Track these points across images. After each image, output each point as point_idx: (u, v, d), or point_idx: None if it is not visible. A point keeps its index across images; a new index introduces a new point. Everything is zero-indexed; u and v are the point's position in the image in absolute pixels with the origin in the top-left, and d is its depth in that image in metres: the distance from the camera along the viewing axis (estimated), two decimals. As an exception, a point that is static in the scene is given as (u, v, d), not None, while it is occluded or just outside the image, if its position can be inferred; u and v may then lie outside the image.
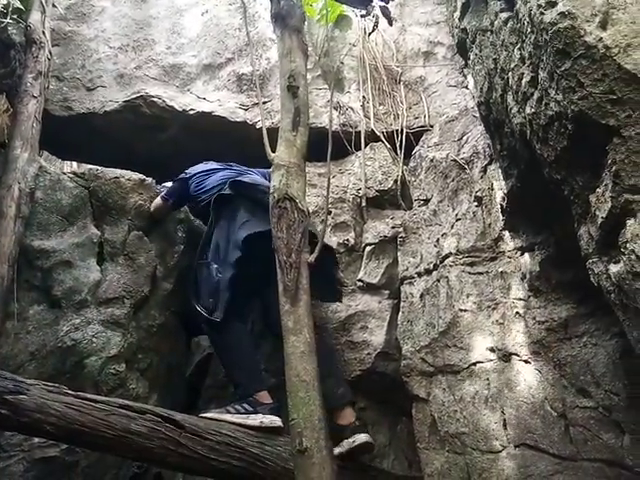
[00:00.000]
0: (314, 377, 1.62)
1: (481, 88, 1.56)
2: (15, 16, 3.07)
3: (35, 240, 2.54)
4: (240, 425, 1.95)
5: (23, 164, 2.70)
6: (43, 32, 3.16)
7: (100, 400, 1.81)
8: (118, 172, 2.80)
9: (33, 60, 3.04)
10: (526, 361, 1.75)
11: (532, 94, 1.23)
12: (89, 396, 1.82)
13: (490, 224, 2.00)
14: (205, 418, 1.95)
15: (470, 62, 1.67)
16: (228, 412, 2.00)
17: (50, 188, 2.69)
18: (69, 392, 1.79)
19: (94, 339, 2.37)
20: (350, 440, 2.00)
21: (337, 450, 1.91)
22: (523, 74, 1.26)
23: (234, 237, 2.22)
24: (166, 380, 2.61)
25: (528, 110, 1.24)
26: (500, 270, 1.92)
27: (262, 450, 1.88)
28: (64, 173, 2.84)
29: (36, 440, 2.23)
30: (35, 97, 2.94)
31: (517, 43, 1.35)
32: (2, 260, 2.41)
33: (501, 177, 1.84)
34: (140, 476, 2.48)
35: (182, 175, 2.76)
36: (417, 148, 2.66)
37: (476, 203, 2.10)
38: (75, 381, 2.27)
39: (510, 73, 1.33)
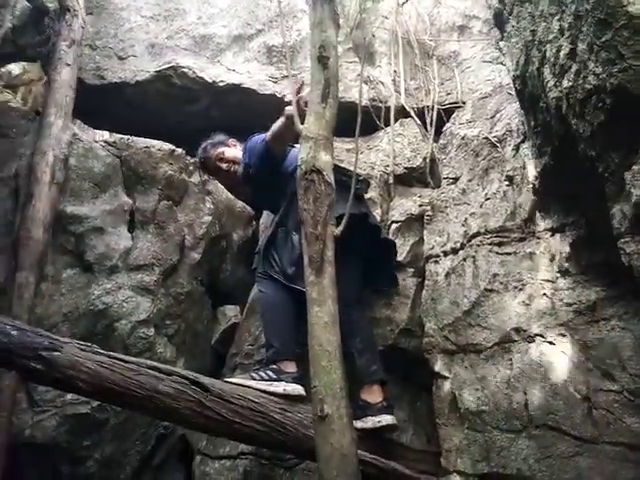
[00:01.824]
0: (336, 347, 1.64)
1: (517, 61, 1.51)
2: (49, -17, 3.11)
3: (69, 206, 2.61)
4: (263, 392, 2.00)
5: (57, 131, 2.75)
6: (77, 0, 3.19)
7: (130, 360, 1.87)
8: (149, 142, 2.85)
9: (67, 28, 3.07)
10: (551, 343, 1.73)
11: (570, 67, 1.19)
12: (120, 356, 1.88)
13: (520, 204, 1.96)
14: (230, 383, 2.00)
15: (506, 34, 1.62)
16: (252, 378, 2.05)
17: (83, 155, 2.74)
18: (101, 351, 1.85)
19: (124, 303, 2.45)
20: (376, 419, 2.03)
21: (360, 424, 1.94)
22: (561, 46, 1.22)
23: None
24: (192, 347, 2.69)
25: (565, 84, 1.20)
26: (529, 251, 1.90)
27: (284, 416, 1.93)
28: (96, 141, 2.89)
29: (68, 397, 2.34)
30: (69, 65, 2.98)
31: (556, 14, 1.30)
32: (37, 224, 2.50)
33: (534, 155, 1.79)
34: (166, 437, 2.58)
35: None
36: (448, 125, 2.61)
37: (507, 182, 2.06)
38: (106, 343, 2.36)
39: (548, 45, 1.28)
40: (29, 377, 1.99)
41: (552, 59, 1.25)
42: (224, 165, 2.66)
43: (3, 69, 3.55)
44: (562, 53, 1.21)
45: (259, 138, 2.42)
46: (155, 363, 1.93)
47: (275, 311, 2.19)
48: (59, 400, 2.34)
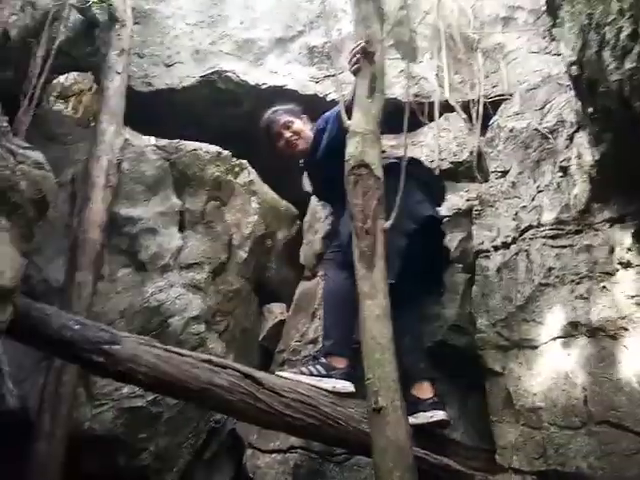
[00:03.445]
0: (389, 340, 1.64)
1: (573, 46, 1.47)
2: (99, -4, 3.24)
3: (123, 208, 2.71)
4: (313, 386, 2.02)
5: (110, 137, 2.87)
6: (125, 11, 3.31)
7: (186, 354, 1.93)
8: (196, 145, 2.93)
9: (116, 38, 3.20)
10: (612, 337, 1.68)
11: (632, 48, 1.16)
12: (176, 349, 1.94)
13: (576, 195, 1.91)
14: (280, 377, 2.03)
15: (560, 20, 1.58)
16: (302, 373, 2.07)
17: (135, 160, 2.85)
18: (158, 345, 1.92)
19: (177, 301, 2.53)
20: (428, 414, 2.02)
21: (412, 420, 1.92)
22: (622, 27, 1.19)
23: (410, 208, 2.15)
24: (241, 343, 2.75)
25: (628, 65, 1.17)
26: (586, 243, 1.84)
27: (334, 410, 1.94)
28: (147, 146, 3.00)
29: (125, 390, 2.43)
30: (119, 73, 3.10)
31: (616, -5, 1.26)
32: (94, 226, 2.61)
33: (590, 145, 1.74)
34: (217, 431, 2.64)
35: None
36: (495, 118, 2.56)
37: (561, 174, 2.00)
38: (160, 339, 2.40)
39: (607, 28, 1.25)
40: (91, 370, 2.07)
41: (612, 41, 1.22)
42: (287, 134, 2.59)
43: (55, 81, 3.73)
44: (623, 35, 1.18)
45: (332, 111, 2.33)
46: (210, 356, 1.99)
47: (340, 301, 2.13)
48: (116, 394, 2.43)
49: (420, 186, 2.29)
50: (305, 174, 2.84)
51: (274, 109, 2.68)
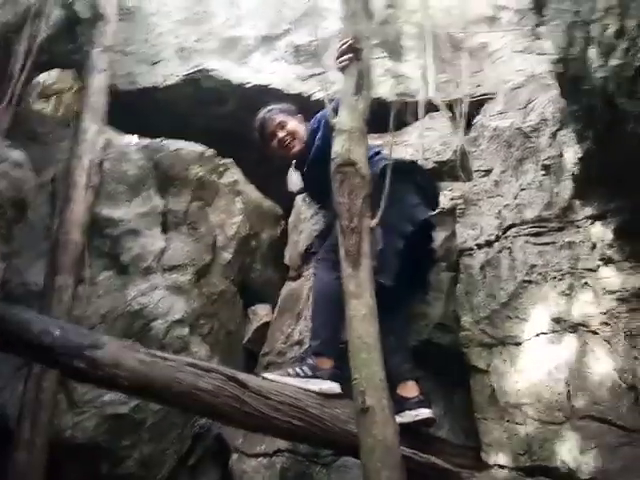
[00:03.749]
0: (376, 339, 1.63)
1: (558, 44, 1.48)
2: (81, -8, 3.19)
3: (104, 209, 2.67)
4: (299, 388, 2.00)
5: (92, 136, 2.82)
6: (108, 7, 3.26)
7: (169, 357, 1.90)
8: (180, 144, 2.90)
9: (100, 35, 3.15)
10: (594, 332, 1.70)
11: (617, 45, 1.17)
12: (160, 353, 1.91)
13: (558, 193, 1.92)
14: (266, 379, 2.01)
15: (547, 18, 1.60)
16: (289, 374, 2.05)
17: (117, 159, 2.81)
18: (141, 349, 1.89)
19: (160, 303, 2.50)
20: (413, 413, 2.01)
21: (398, 419, 1.91)
22: (608, 25, 1.20)
23: (407, 211, 2.19)
24: (225, 346, 2.72)
25: (613, 62, 1.18)
26: (568, 240, 1.86)
27: (321, 411, 1.92)
28: (129, 145, 2.96)
29: (107, 397, 2.38)
30: (102, 71, 3.06)
31: (602, -8, 1.27)
32: (75, 227, 2.56)
33: (573, 142, 1.76)
34: (202, 436, 2.61)
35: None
36: (479, 117, 2.57)
37: (543, 172, 2.02)
38: (143, 343, 2.35)
39: (593, 25, 1.26)
40: (73, 376, 2.02)
41: (598, 39, 1.23)
42: (281, 134, 2.51)
43: (36, 79, 3.66)
44: (609, 32, 1.19)
45: (325, 111, 2.23)
46: (194, 360, 1.96)
47: (329, 301, 2.11)
48: (98, 401, 2.39)
49: (417, 190, 2.30)
50: (297, 174, 2.81)
51: (269, 108, 2.59)
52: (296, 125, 2.53)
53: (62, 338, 1.83)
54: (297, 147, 2.50)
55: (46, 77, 3.81)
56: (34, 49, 2.79)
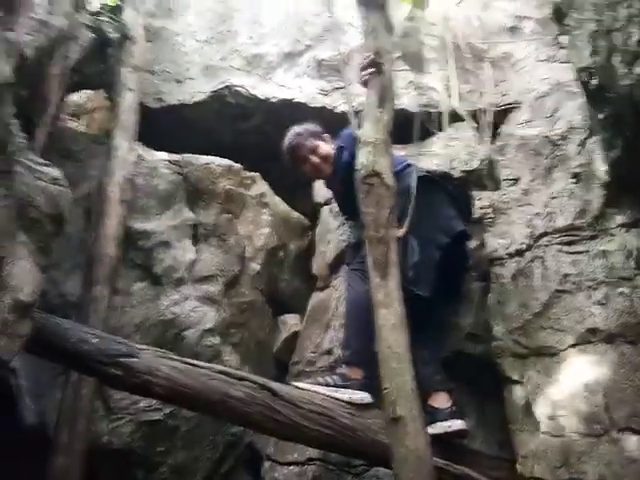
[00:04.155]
0: (406, 349, 1.64)
1: (582, 53, 1.49)
2: (110, 14, 3.31)
3: (137, 222, 2.74)
4: (330, 397, 2.01)
5: (124, 152, 2.91)
6: (136, 28, 3.38)
7: (202, 365, 1.94)
8: (208, 159, 2.97)
9: (128, 55, 3.26)
10: (632, 342, 1.67)
11: (643, 53, 1.17)
12: (193, 361, 1.95)
13: (590, 201, 1.91)
14: (297, 388, 2.03)
15: (569, 28, 1.60)
16: (319, 383, 2.07)
17: (148, 175, 2.89)
18: (175, 357, 1.93)
19: (191, 313, 2.55)
20: (446, 424, 2.00)
21: (430, 431, 1.90)
22: (631, 33, 1.20)
23: (443, 222, 2.22)
24: (255, 355, 2.75)
25: (637, 70, 1.18)
26: (602, 249, 1.84)
27: (352, 420, 1.93)
28: (159, 160, 3.04)
29: (142, 404, 2.43)
30: (131, 90, 3.16)
31: (623, 1, 1.28)
32: (109, 241, 2.64)
33: (603, 149, 1.75)
34: (235, 444, 2.63)
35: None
36: (504, 126, 2.58)
37: (573, 180, 2.01)
38: (175, 351, 2.42)
39: (616, 34, 1.27)
40: (108, 383, 2.08)
41: (621, 47, 1.23)
42: (314, 159, 2.54)
43: (69, 99, 3.80)
44: (632, 40, 1.19)
45: (350, 128, 2.24)
46: (226, 368, 2.00)
47: (362, 311, 2.07)
48: (133, 407, 2.43)
49: (451, 201, 2.32)
50: (327, 190, 2.84)
51: (297, 131, 2.61)
52: (327, 148, 2.56)
53: (99, 346, 1.90)
54: (328, 170, 2.54)
55: (78, 97, 3.95)
56: (66, 71, 2.90)
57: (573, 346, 1.82)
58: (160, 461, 2.44)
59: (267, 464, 2.44)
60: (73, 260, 2.63)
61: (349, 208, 2.60)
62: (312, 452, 2.28)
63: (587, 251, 1.88)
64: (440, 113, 2.89)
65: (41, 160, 2.44)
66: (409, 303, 1.78)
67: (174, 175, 2.90)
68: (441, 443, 1.94)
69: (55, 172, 2.45)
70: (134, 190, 2.80)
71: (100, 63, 3.42)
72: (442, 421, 2.00)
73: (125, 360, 1.89)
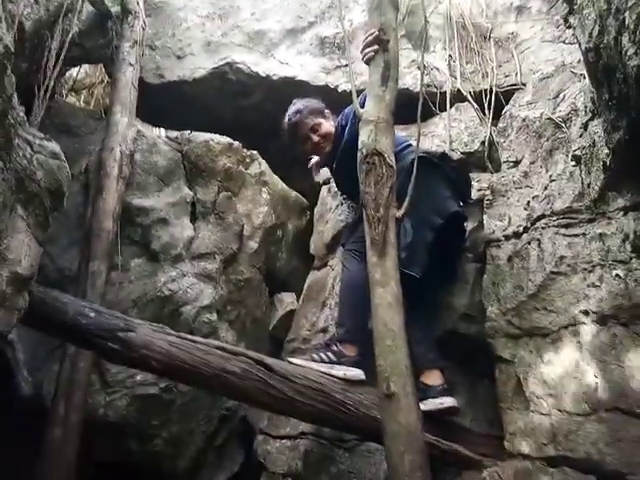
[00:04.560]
0: (401, 327, 1.65)
1: (590, 33, 1.46)
2: (111, -13, 3.25)
3: (135, 199, 2.74)
4: (324, 373, 2.04)
5: (123, 128, 2.89)
6: (137, 2, 3.33)
7: (199, 341, 1.96)
8: (208, 136, 2.95)
9: (129, 30, 3.21)
10: (624, 324, 1.68)
11: (652, 33, 1.15)
12: (189, 336, 1.97)
13: (589, 184, 1.89)
14: (292, 363, 2.06)
15: (577, 7, 1.57)
16: (313, 360, 2.10)
17: (147, 151, 2.88)
18: (172, 332, 1.95)
19: (189, 290, 2.57)
20: (437, 401, 2.03)
21: (421, 407, 1.93)
22: (642, 12, 1.18)
23: (437, 203, 2.21)
24: (251, 332, 2.78)
25: (647, 50, 1.16)
26: (599, 232, 1.83)
27: (345, 396, 1.96)
28: (159, 137, 3.02)
29: (138, 378, 2.47)
30: (132, 65, 3.12)
31: (636, -21, 1.25)
32: (107, 216, 2.64)
33: (605, 132, 1.73)
34: (228, 418, 2.68)
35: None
36: (507, 107, 2.55)
37: (574, 162, 1.99)
38: (172, 327, 2.42)
39: (627, 13, 1.24)
40: (106, 356, 2.11)
41: (632, 26, 1.21)
42: (316, 138, 2.51)
43: (68, 73, 3.76)
44: (642, 19, 1.17)
45: (351, 107, 2.22)
46: (222, 344, 2.02)
47: (357, 290, 2.12)
48: (129, 381, 2.47)
49: (447, 182, 2.31)
50: (327, 169, 2.83)
51: (298, 108, 2.55)
52: (328, 126, 2.52)
53: (97, 320, 1.91)
54: (329, 148, 2.51)
55: (78, 71, 3.91)
56: (66, 44, 2.86)
57: (566, 327, 1.84)
58: (155, 434, 2.49)
59: (260, 437, 2.49)
60: (71, 235, 2.65)
61: (347, 186, 2.60)
62: (305, 426, 2.32)
63: (584, 234, 1.87)
64: (443, 93, 2.86)
65: (40, 134, 2.42)
66: (403, 283, 1.79)
67: (173, 152, 2.89)
68: (432, 419, 1.98)
69: (54, 147, 2.44)
70: (133, 166, 2.80)
71: (100, 37, 3.37)
72: (434, 398, 2.03)
73: (123, 334, 1.91)
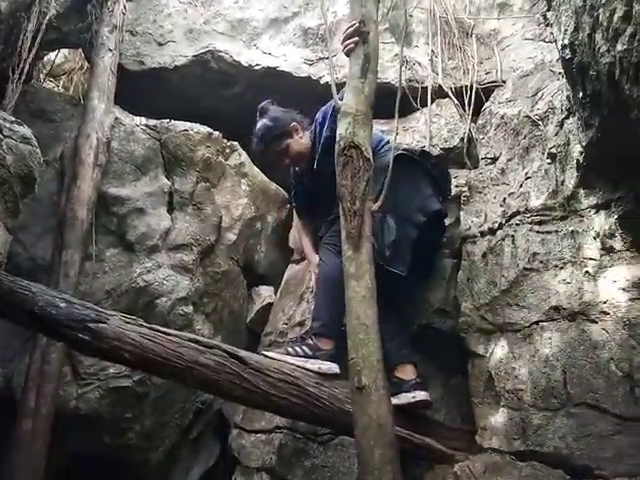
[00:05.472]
0: (374, 321, 1.65)
1: (566, 29, 1.47)
2: (92, -29, 3.17)
3: (111, 188, 2.69)
4: (299, 367, 2.03)
5: (100, 115, 2.83)
6: (118, -14, 3.25)
7: (172, 333, 1.93)
8: (187, 125, 2.90)
9: (109, 14, 3.15)
10: (593, 321, 1.70)
11: (625, 30, 1.16)
12: (162, 329, 1.93)
13: (563, 181, 1.92)
14: (266, 357, 2.04)
15: (555, 3, 1.58)
16: (288, 353, 2.09)
17: (124, 139, 2.82)
18: (144, 324, 1.91)
19: (164, 281, 2.53)
20: (409, 395, 2.05)
21: (395, 401, 1.94)
22: (615, 9, 1.18)
23: (419, 202, 2.22)
24: (228, 325, 2.76)
25: (619, 47, 1.17)
26: (571, 229, 1.86)
27: (319, 390, 1.96)
28: (137, 125, 2.97)
29: (111, 370, 2.43)
30: (111, 50, 3.06)
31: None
32: (82, 205, 2.58)
33: (579, 130, 1.75)
34: (203, 411, 2.66)
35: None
36: (487, 104, 2.56)
37: (549, 160, 2.01)
38: (147, 319, 2.36)
39: (601, 10, 1.25)
40: (76, 348, 2.06)
41: (605, 23, 1.22)
42: (286, 160, 2.50)
43: (45, 58, 3.66)
44: (616, 16, 1.17)
45: (330, 104, 2.21)
46: (196, 336, 1.99)
47: (335, 285, 2.06)
48: (102, 374, 2.43)
49: (429, 180, 2.32)
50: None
51: (262, 133, 2.45)
52: (299, 143, 2.46)
53: (67, 311, 1.86)
54: (304, 160, 2.48)
55: (56, 56, 3.82)
56: (42, 27, 2.79)
57: (537, 323, 1.86)
58: (128, 427, 2.45)
59: (235, 431, 2.47)
60: (45, 223, 2.59)
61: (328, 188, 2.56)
62: (280, 420, 2.32)
63: (557, 231, 1.89)
64: (424, 88, 2.86)
65: (11, 118, 2.36)
66: (380, 278, 1.79)
67: (151, 140, 2.84)
68: (405, 413, 1.99)
69: (26, 131, 2.38)
70: (109, 154, 2.74)
71: (78, 21, 3.28)
72: (407, 392, 2.05)
73: (94, 325, 1.87)
